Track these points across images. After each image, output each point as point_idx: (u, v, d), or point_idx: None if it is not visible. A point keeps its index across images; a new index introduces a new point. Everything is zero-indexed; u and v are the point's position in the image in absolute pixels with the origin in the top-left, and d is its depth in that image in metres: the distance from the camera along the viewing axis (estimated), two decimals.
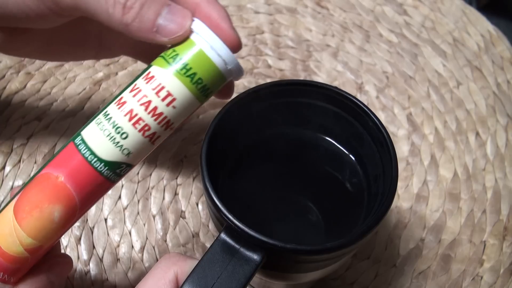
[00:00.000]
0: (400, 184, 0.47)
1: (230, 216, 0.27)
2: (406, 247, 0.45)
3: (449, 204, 0.47)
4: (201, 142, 0.49)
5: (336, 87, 0.32)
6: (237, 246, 0.28)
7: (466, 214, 0.47)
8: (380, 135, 0.31)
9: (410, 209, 0.46)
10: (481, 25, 0.58)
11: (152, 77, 0.28)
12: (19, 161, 0.46)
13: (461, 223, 0.46)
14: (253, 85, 0.52)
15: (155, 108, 0.27)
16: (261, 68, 0.54)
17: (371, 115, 0.31)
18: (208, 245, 0.44)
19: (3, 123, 0.49)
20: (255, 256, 0.28)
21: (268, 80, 0.53)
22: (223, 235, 0.28)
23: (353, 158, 0.35)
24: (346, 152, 0.35)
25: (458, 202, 0.47)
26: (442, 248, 0.45)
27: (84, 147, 0.27)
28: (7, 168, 0.46)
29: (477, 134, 0.51)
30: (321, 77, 0.53)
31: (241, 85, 0.52)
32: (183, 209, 0.45)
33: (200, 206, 0.46)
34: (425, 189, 0.48)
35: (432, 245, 0.45)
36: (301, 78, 0.53)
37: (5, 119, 0.49)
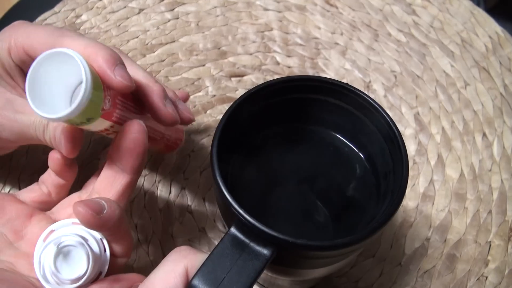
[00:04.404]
0: None
1: (241, 211, 0.27)
2: (412, 246, 0.45)
3: (455, 204, 0.47)
4: (208, 137, 0.49)
5: (347, 84, 0.32)
6: (247, 241, 0.28)
7: (472, 215, 0.47)
8: (390, 132, 0.31)
9: (416, 208, 0.47)
10: (489, 27, 0.58)
11: None
12: None
13: (466, 223, 0.46)
14: (261, 82, 0.52)
15: None
16: (269, 65, 0.54)
17: (382, 112, 0.31)
18: (214, 239, 0.44)
19: None
20: (265, 251, 0.28)
21: (276, 77, 0.53)
22: (233, 230, 0.28)
23: (363, 155, 0.35)
24: (356, 149, 0.35)
25: (464, 202, 0.47)
26: (447, 247, 0.45)
27: None
28: None
29: (484, 135, 0.51)
30: (329, 75, 0.54)
31: (249, 81, 0.53)
32: (189, 203, 0.45)
33: (206, 201, 0.46)
34: (431, 189, 0.48)
35: (437, 245, 0.45)
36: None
37: None
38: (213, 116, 0.50)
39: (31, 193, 0.37)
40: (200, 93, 0.52)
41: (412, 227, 0.46)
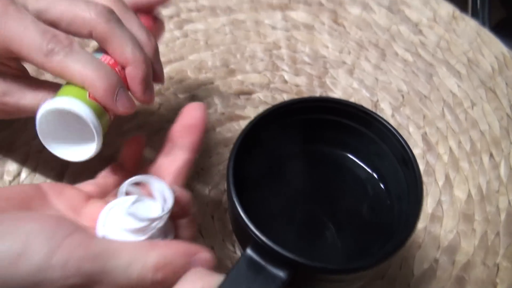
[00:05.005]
0: None
1: (258, 233, 0.27)
2: (420, 267, 0.45)
3: (463, 225, 0.47)
4: (217, 155, 0.49)
5: (361, 106, 0.33)
6: (263, 262, 0.28)
7: (480, 236, 0.47)
8: (405, 155, 0.31)
9: (424, 229, 0.46)
10: (495, 47, 0.58)
11: None
12: (35, 169, 0.46)
13: (474, 245, 0.46)
14: (269, 100, 0.53)
15: None
16: (278, 83, 0.54)
17: (397, 135, 0.31)
18: (224, 259, 0.44)
19: (23, 127, 0.48)
20: (281, 274, 0.28)
21: (284, 95, 0.53)
22: (249, 252, 0.28)
23: (376, 177, 0.35)
24: (369, 171, 0.35)
25: (472, 224, 0.47)
26: (456, 269, 0.45)
27: None
28: (23, 175, 0.46)
29: (491, 155, 0.51)
30: (336, 94, 0.54)
31: (258, 99, 0.53)
32: (199, 221, 0.45)
33: (215, 219, 0.45)
34: (439, 209, 0.48)
35: (446, 266, 0.45)
36: (317, 94, 0.54)
37: (24, 125, 0.49)
38: (222, 133, 0.51)
39: (87, 186, 0.37)
40: (209, 111, 0.52)
41: (421, 248, 0.46)
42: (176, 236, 0.34)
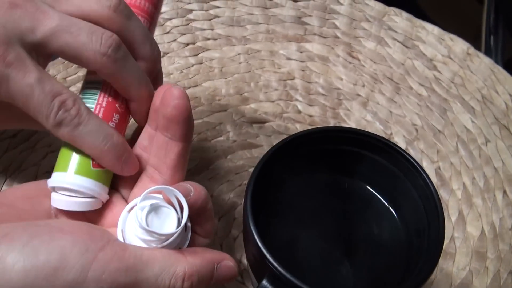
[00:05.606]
0: None
1: (275, 264, 0.27)
2: None
3: (475, 263, 0.46)
4: (227, 182, 0.49)
5: (383, 138, 0.32)
6: None
7: (493, 275, 0.46)
8: (427, 190, 0.31)
9: (437, 266, 0.46)
10: (509, 85, 0.58)
11: None
12: None
13: (487, 284, 0.45)
14: (282, 129, 0.52)
15: None
16: (291, 113, 0.54)
17: (420, 170, 0.31)
18: None
19: (29, 149, 0.49)
20: None
21: (297, 125, 0.53)
22: (265, 283, 0.28)
23: (396, 211, 0.35)
24: (389, 204, 0.35)
25: (485, 262, 0.46)
26: None
27: None
28: None
29: (505, 192, 0.51)
30: (350, 126, 0.54)
31: (271, 128, 0.53)
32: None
33: (224, 248, 0.45)
34: (452, 246, 0.47)
35: None
36: (331, 125, 0.53)
37: (32, 145, 0.49)
38: (234, 161, 0.50)
39: None
40: (221, 138, 0.52)
41: (433, 286, 0.45)
42: (194, 232, 0.33)
